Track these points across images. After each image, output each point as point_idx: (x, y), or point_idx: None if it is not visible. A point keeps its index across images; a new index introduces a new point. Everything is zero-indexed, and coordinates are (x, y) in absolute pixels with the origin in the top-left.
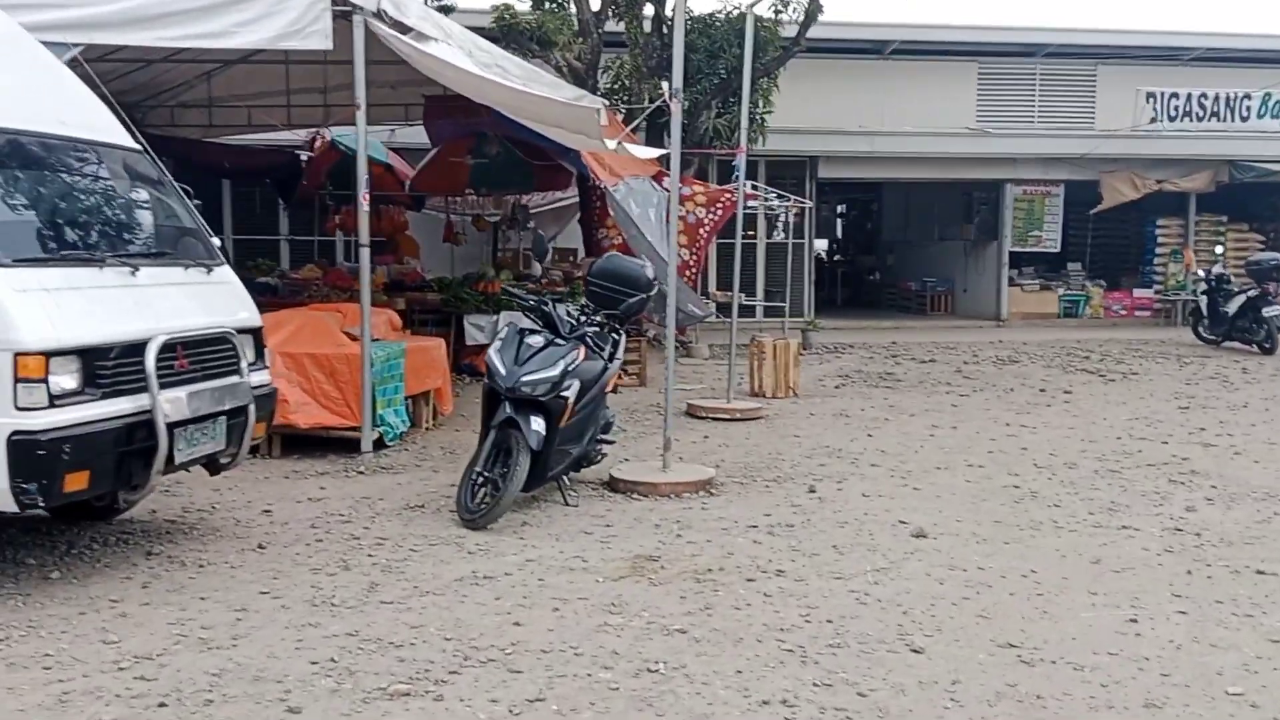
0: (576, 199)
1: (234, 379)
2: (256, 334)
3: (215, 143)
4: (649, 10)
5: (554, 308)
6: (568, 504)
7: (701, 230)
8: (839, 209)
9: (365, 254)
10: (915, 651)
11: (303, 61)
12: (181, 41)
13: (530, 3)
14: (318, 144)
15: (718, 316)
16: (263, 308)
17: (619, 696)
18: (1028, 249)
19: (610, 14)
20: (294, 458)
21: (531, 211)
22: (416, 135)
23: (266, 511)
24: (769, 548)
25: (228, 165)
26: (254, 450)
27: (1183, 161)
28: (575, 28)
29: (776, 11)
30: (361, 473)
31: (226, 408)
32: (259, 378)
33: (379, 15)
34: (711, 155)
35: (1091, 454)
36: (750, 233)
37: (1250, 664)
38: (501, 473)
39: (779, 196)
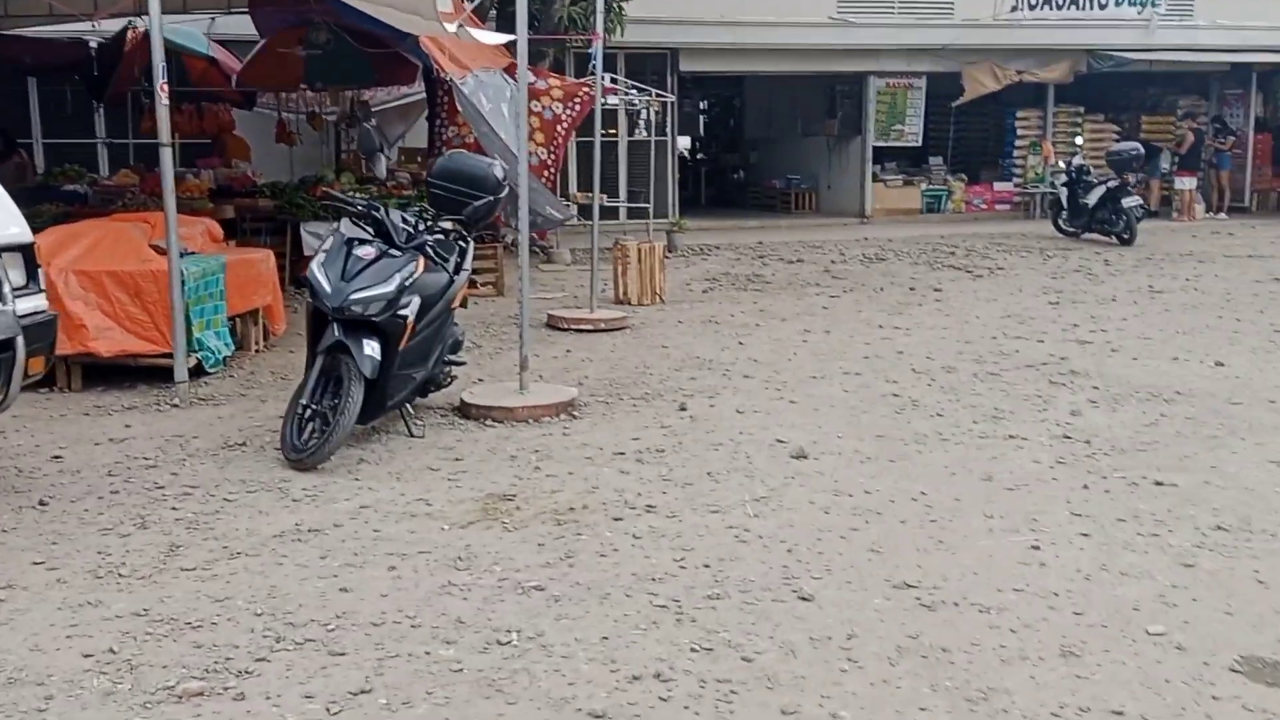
0: (423, 94)
1: None
2: (27, 251)
3: (12, 34)
4: None
5: (387, 214)
6: (412, 435)
7: (559, 127)
8: (701, 105)
9: (166, 155)
10: (804, 600)
11: None
12: None
13: None
14: (130, 35)
15: (579, 219)
16: (69, 218)
17: (461, 680)
18: (890, 144)
19: None
20: (97, 390)
21: (373, 109)
22: (243, 25)
23: (56, 458)
24: (637, 478)
25: (28, 60)
26: (48, 383)
27: (1042, 51)
28: None
29: None
30: (175, 405)
31: None
32: (32, 303)
33: None
34: (566, 44)
35: (968, 355)
36: (611, 130)
37: (1166, 595)
38: (332, 405)
39: (639, 90)
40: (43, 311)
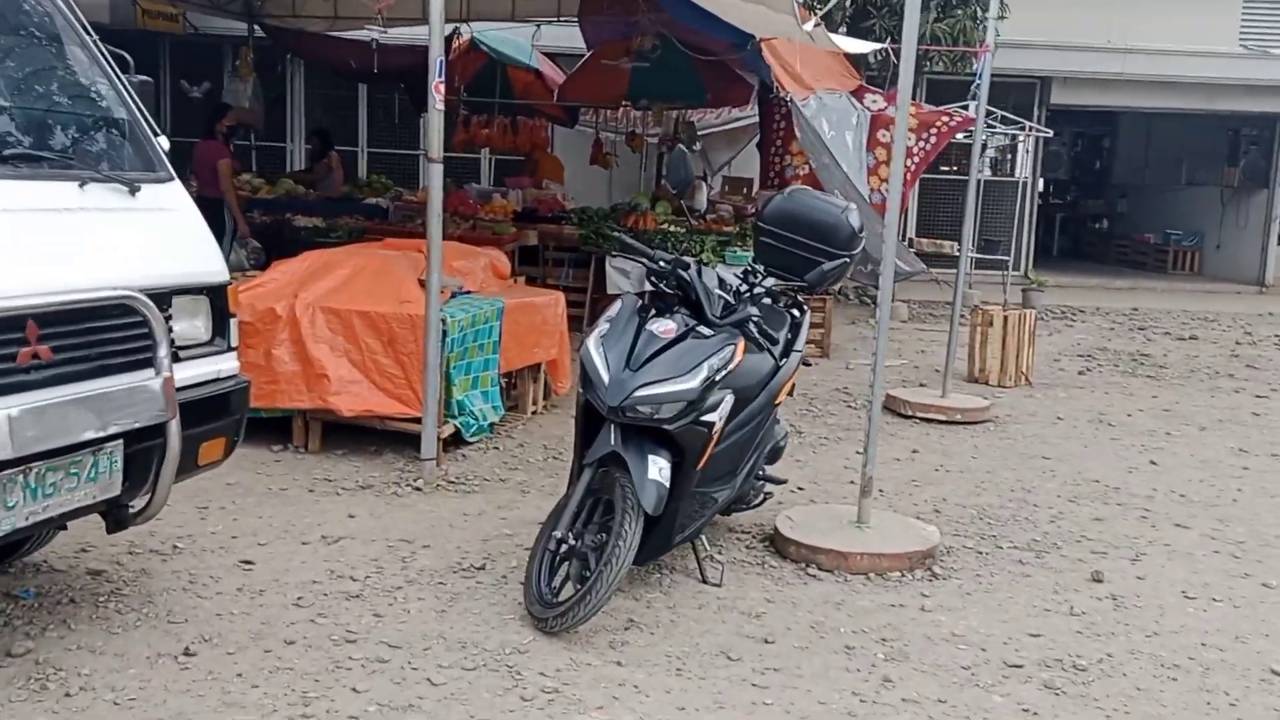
0: (755, 119)
1: (137, 378)
2: (216, 297)
3: (341, 37)
4: None
5: (699, 274)
6: (705, 581)
7: (908, 162)
8: (1064, 142)
9: (435, 172)
10: None
11: None
12: None
13: None
14: (456, 44)
15: (927, 271)
16: (364, 235)
17: None
18: None
19: None
20: (336, 454)
21: (700, 132)
22: (570, 36)
23: (246, 563)
24: None
25: (354, 65)
26: (284, 439)
27: None
28: None
29: None
30: (417, 489)
31: (114, 430)
32: (213, 366)
33: None
34: (923, 66)
35: None
36: (951, 167)
37: None
38: (597, 543)
39: (1004, 120)
40: (231, 377)
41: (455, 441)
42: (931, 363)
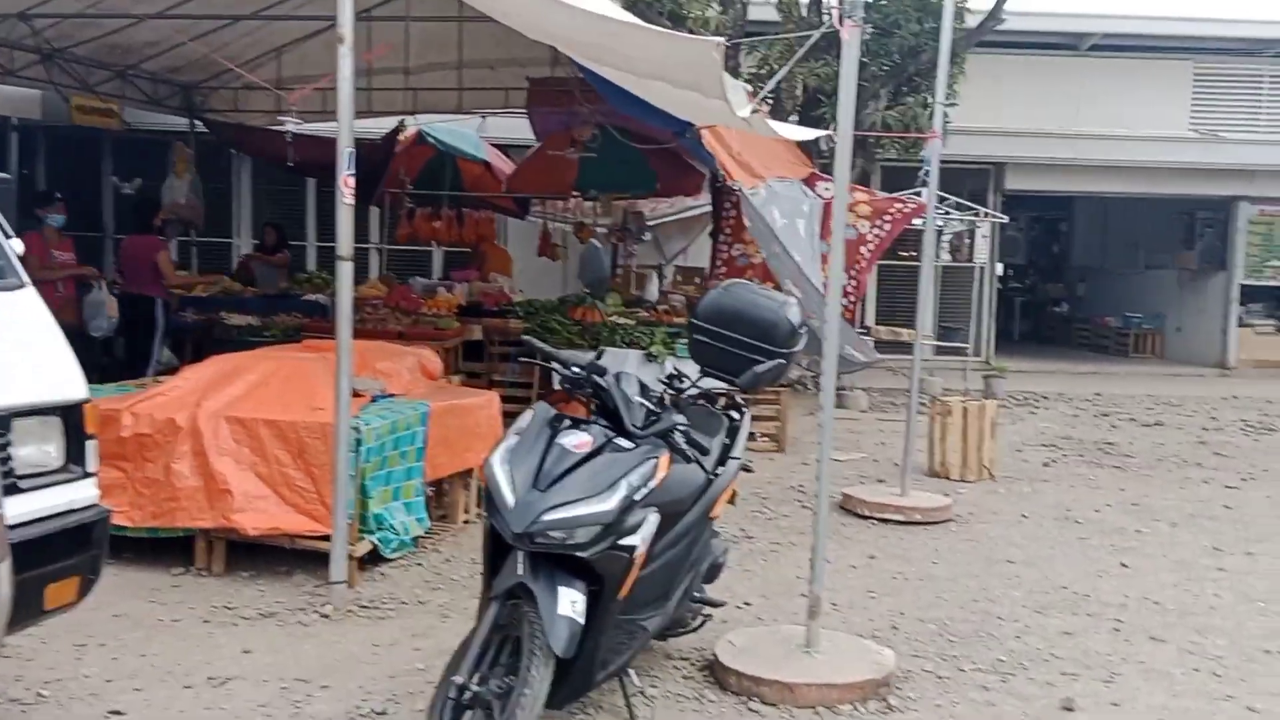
0: (709, 208)
1: None
2: (71, 416)
3: (280, 131)
4: None
5: (615, 381)
6: None
7: (863, 249)
8: (1020, 227)
9: (344, 271)
10: None
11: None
12: None
13: None
14: (404, 136)
15: (882, 361)
16: (300, 333)
17: None
18: (1263, 282)
19: None
20: (244, 575)
21: (653, 221)
22: (516, 128)
23: (115, 715)
24: None
25: (295, 158)
26: (187, 562)
27: None
28: None
29: None
30: (326, 616)
31: None
32: (65, 495)
33: None
34: (875, 154)
35: None
36: (911, 254)
37: None
38: (503, 687)
39: (959, 206)
40: (88, 507)
41: (374, 559)
42: (891, 455)
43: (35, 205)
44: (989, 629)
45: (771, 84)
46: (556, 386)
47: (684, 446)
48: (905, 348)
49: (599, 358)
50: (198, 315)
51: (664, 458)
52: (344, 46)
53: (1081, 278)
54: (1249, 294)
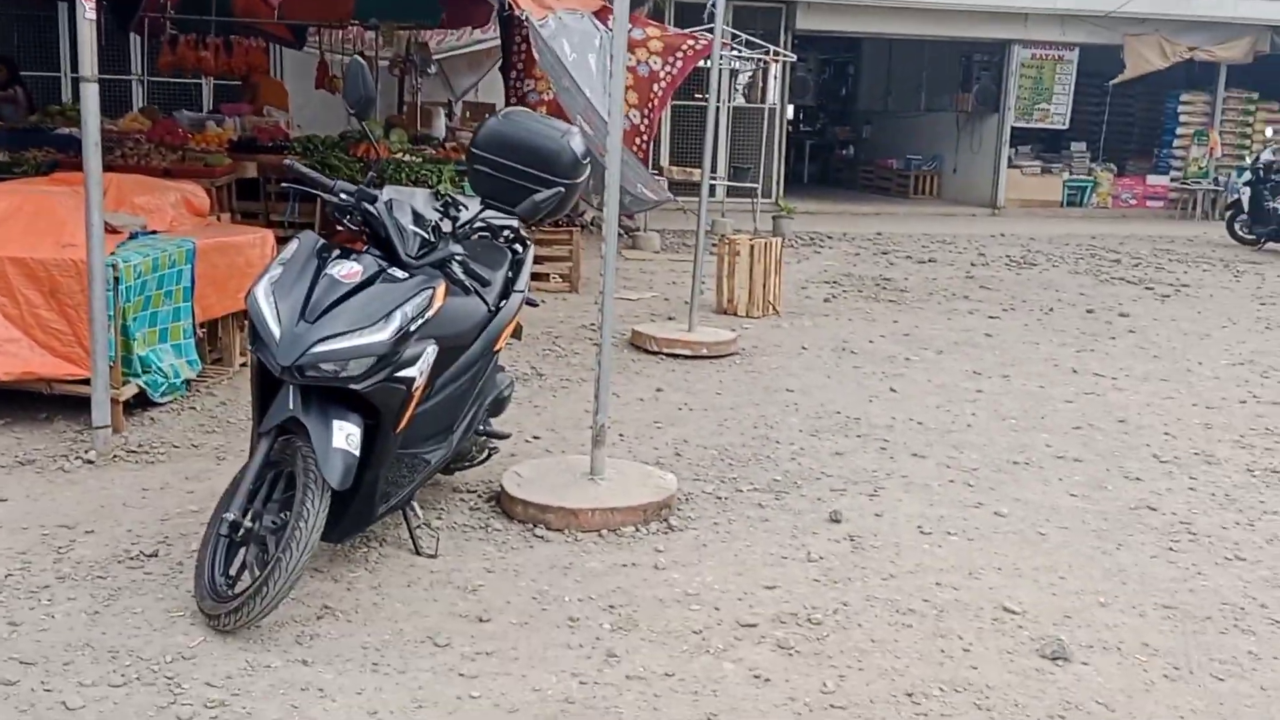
0: (498, 42)
1: None
2: None
3: None
4: None
5: (389, 209)
6: (419, 553)
7: (656, 86)
8: (809, 69)
9: (89, 93)
10: None
11: None
12: None
13: None
14: None
15: (674, 201)
16: (55, 169)
17: None
18: (1032, 125)
19: None
20: None
21: (440, 55)
22: None
23: None
24: (784, 694)
25: None
26: None
27: (1220, 25)
28: None
29: None
30: (90, 462)
31: None
32: None
33: None
34: None
35: (1222, 430)
36: (704, 95)
37: None
38: (277, 522)
39: (754, 47)
40: None
41: (142, 403)
42: (682, 294)
43: None
44: (767, 453)
45: None
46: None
47: (462, 277)
48: (698, 189)
49: (376, 187)
50: None
51: (440, 288)
52: None
53: (867, 120)
54: (1019, 136)
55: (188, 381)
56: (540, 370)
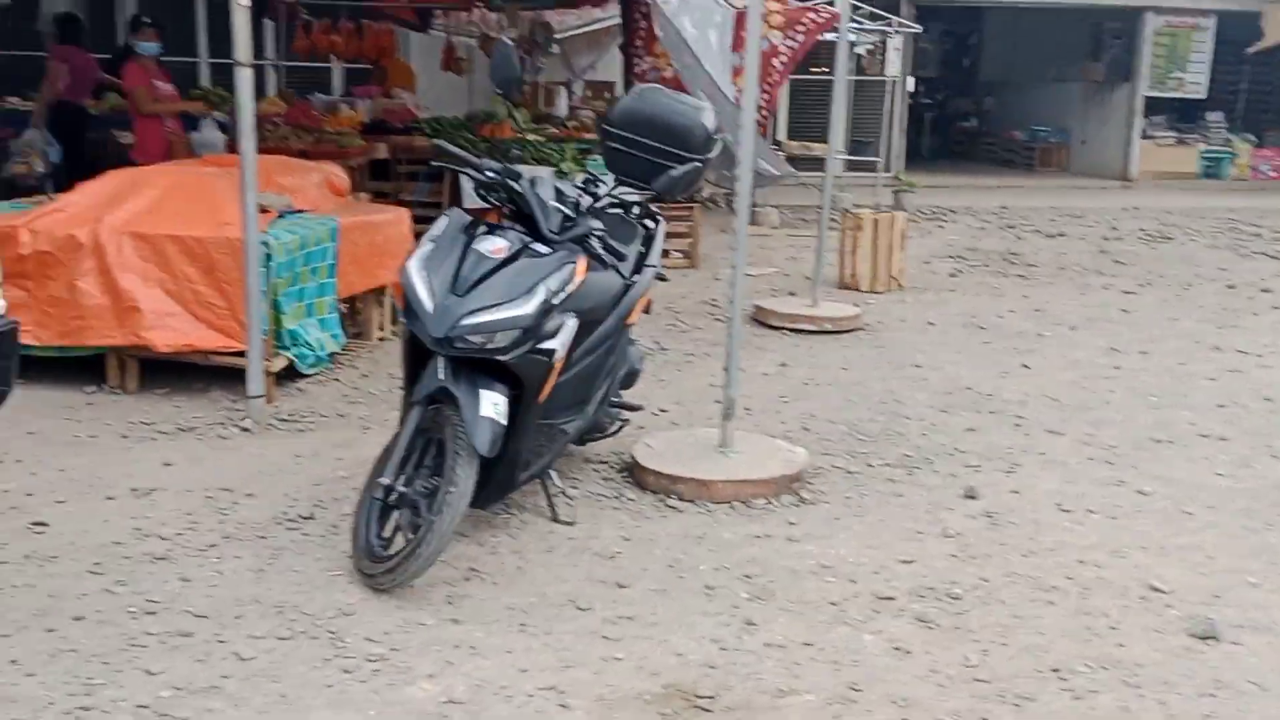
0: (618, 19)
1: None
2: None
3: None
4: None
5: (532, 186)
6: (557, 520)
7: (775, 61)
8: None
9: (244, 78)
10: None
11: None
12: None
13: None
14: None
15: (795, 175)
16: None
17: None
18: (1166, 94)
19: None
20: (156, 394)
21: (558, 34)
22: None
23: (38, 525)
24: (926, 667)
25: None
26: (100, 380)
27: None
28: None
29: None
30: (245, 430)
31: None
32: None
33: None
34: None
35: None
36: (819, 68)
37: None
38: (428, 487)
39: (872, 17)
40: None
41: (290, 375)
42: (802, 270)
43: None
44: (896, 428)
45: None
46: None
47: (600, 252)
48: (816, 163)
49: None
50: (91, 133)
51: (581, 262)
52: None
53: (989, 92)
54: (1152, 106)
55: (332, 354)
56: (664, 345)
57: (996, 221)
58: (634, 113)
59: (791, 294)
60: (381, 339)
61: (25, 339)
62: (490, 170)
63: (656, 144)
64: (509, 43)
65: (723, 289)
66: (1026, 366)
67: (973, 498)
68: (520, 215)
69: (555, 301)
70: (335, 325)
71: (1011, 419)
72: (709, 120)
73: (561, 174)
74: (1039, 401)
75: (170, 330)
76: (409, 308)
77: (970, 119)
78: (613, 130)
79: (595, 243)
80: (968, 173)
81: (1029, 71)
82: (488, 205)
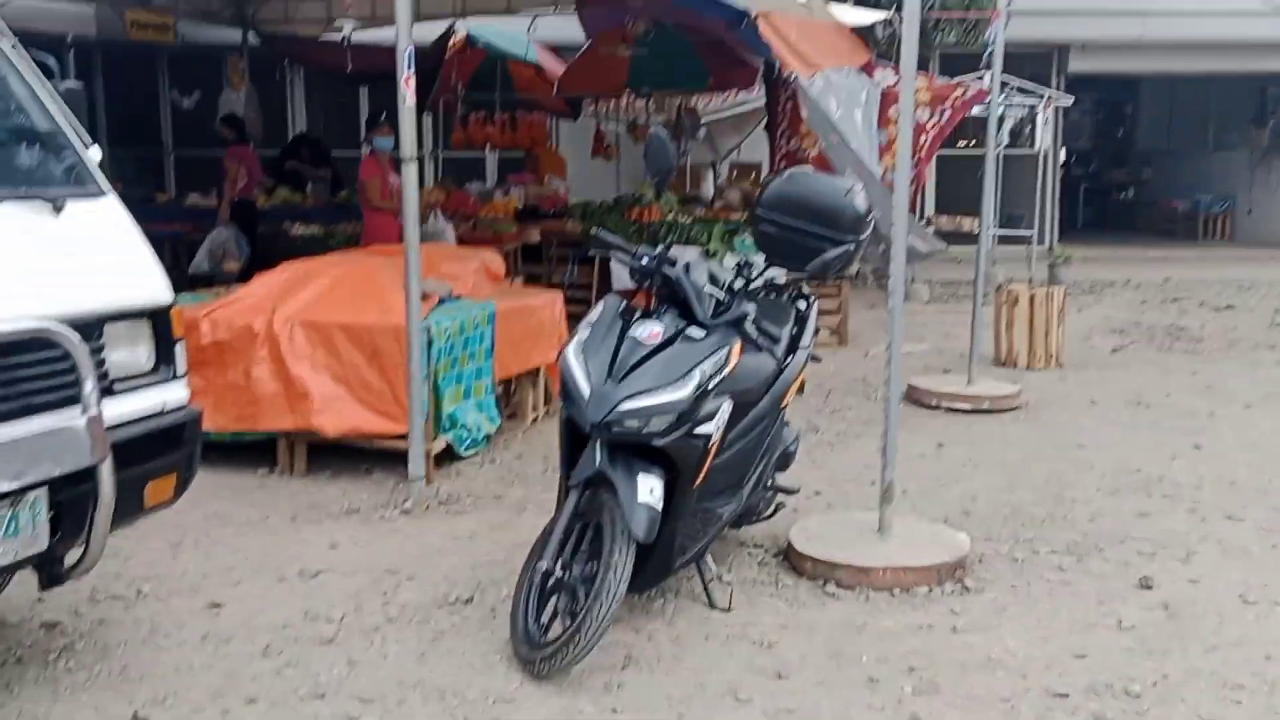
0: (762, 101)
1: (60, 419)
2: (159, 320)
3: (336, 39)
4: None
5: (686, 272)
6: (713, 606)
7: (923, 137)
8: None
9: (409, 172)
10: None
11: None
12: None
13: None
14: (453, 41)
15: (945, 250)
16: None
17: None
18: None
19: None
20: (323, 477)
21: (704, 118)
22: (568, 27)
23: (215, 605)
24: None
25: (350, 68)
26: (271, 463)
27: None
28: None
29: None
30: (406, 512)
31: (30, 480)
32: (157, 397)
33: None
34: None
35: None
36: (969, 141)
37: None
38: (586, 572)
39: (1020, 90)
40: (179, 408)
41: (449, 457)
42: (956, 347)
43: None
44: (1063, 512)
45: None
46: (617, 286)
47: (755, 335)
48: (966, 237)
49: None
50: (261, 226)
51: (735, 346)
52: None
53: (1147, 161)
54: None
55: (488, 436)
56: (816, 425)
57: (1159, 294)
58: (784, 195)
59: (946, 371)
60: (535, 420)
61: (204, 425)
62: (646, 256)
63: (808, 226)
64: (664, 133)
65: (872, 366)
66: (1199, 447)
67: (1148, 587)
68: (675, 298)
69: (710, 385)
70: (491, 407)
71: (1186, 503)
72: (860, 201)
73: (709, 254)
74: (1214, 484)
75: (337, 415)
76: (567, 392)
77: (1127, 189)
78: (763, 212)
79: (749, 326)
80: (1126, 243)
81: (1188, 139)
82: (639, 288)
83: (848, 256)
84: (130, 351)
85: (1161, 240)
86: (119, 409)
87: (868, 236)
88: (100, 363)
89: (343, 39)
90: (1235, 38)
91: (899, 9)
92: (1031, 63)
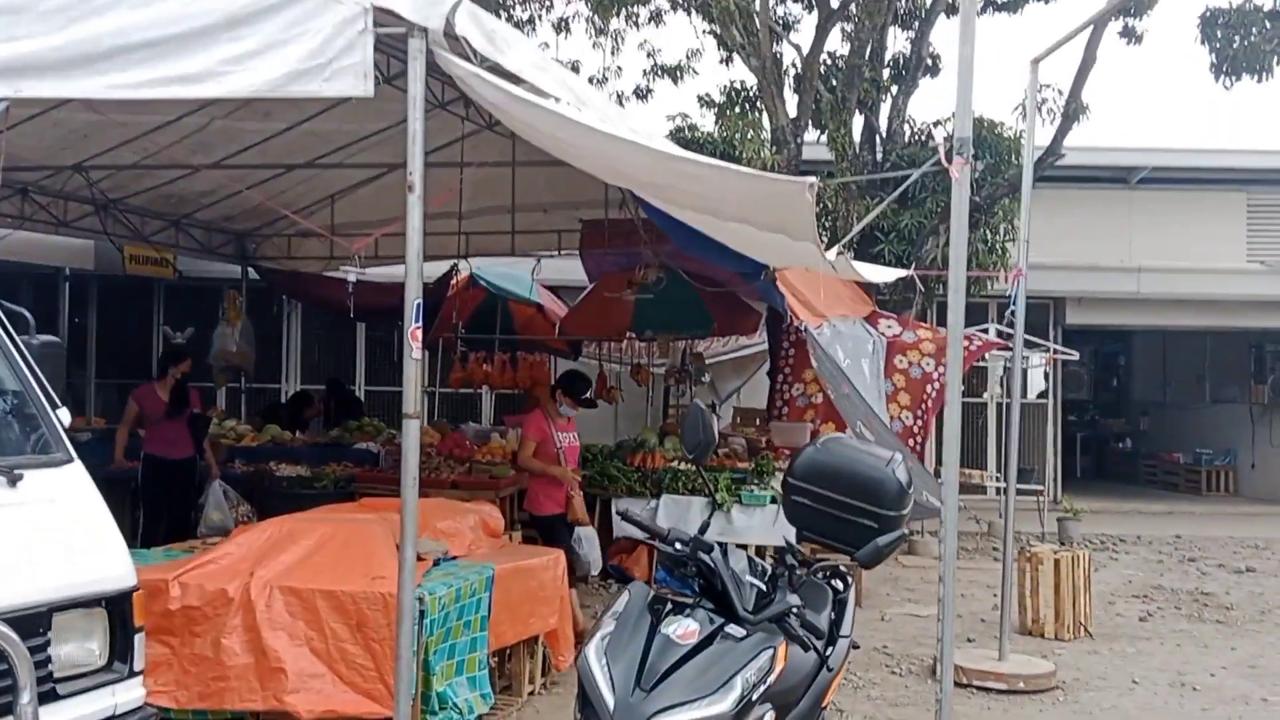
0: (764, 345)
1: None
2: (118, 609)
3: (334, 277)
4: (859, 119)
5: (723, 557)
6: None
7: (929, 388)
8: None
9: (411, 429)
10: None
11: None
12: (147, 91)
13: (713, 116)
14: (455, 280)
15: (962, 506)
16: (350, 485)
17: None
18: None
19: (810, 123)
20: None
21: (707, 361)
22: (572, 269)
23: None
24: None
25: (351, 304)
26: None
27: None
28: (767, 136)
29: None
30: None
31: None
32: (100, 702)
33: (451, 38)
34: (934, 291)
35: None
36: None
37: None
38: None
39: (1027, 344)
40: (132, 711)
41: None
42: (972, 609)
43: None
44: None
45: (860, 226)
46: (616, 535)
47: (800, 633)
48: (974, 489)
49: (703, 531)
50: (245, 466)
51: (781, 648)
52: (414, 195)
53: (1144, 411)
54: None
55: (480, 717)
56: (839, 705)
57: (1174, 553)
58: (819, 465)
59: (970, 640)
60: (532, 693)
61: (164, 700)
62: (679, 541)
63: (844, 498)
64: (702, 406)
65: (891, 631)
66: None
67: None
68: (710, 588)
69: (754, 696)
70: (485, 683)
71: None
72: (901, 474)
73: (717, 505)
74: None
75: (314, 694)
76: (585, 700)
77: (1124, 440)
78: (796, 483)
79: (794, 622)
80: (1130, 496)
81: (1184, 391)
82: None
83: (900, 541)
84: (81, 645)
85: (1164, 493)
86: (63, 717)
87: (909, 511)
88: (44, 662)
89: (348, 282)
90: (1223, 294)
91: (906, 265)
92: (1030, 314)
